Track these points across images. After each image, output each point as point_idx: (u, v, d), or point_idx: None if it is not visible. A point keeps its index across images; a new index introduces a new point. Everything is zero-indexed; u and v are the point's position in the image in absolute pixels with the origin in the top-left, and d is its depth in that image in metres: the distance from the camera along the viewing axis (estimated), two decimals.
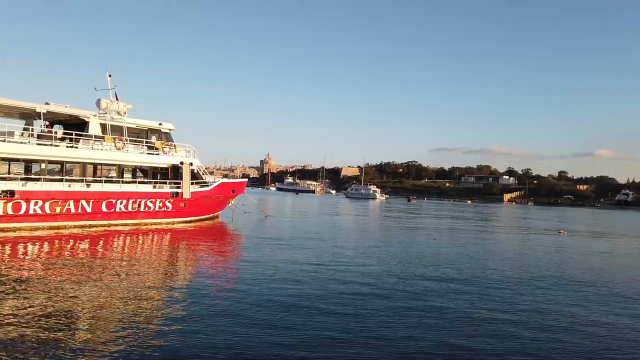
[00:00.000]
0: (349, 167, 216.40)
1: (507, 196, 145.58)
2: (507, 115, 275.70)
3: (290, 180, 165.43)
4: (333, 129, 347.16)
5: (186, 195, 27.99)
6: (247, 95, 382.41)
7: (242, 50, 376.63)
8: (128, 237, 21.12)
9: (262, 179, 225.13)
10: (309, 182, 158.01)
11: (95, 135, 24.86)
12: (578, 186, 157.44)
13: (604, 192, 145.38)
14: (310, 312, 9.97)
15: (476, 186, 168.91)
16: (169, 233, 23.42)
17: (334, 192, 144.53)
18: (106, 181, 24.98)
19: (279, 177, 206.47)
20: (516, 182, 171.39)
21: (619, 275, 17.29)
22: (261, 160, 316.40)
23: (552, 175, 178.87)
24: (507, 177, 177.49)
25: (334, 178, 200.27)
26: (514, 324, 10.07)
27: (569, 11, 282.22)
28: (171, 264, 15.17)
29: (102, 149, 24.88)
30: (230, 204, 34.22)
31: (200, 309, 9.77)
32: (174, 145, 29.01)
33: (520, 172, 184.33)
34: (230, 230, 27.36)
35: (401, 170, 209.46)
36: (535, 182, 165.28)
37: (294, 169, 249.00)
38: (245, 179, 40.94)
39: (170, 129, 29.19)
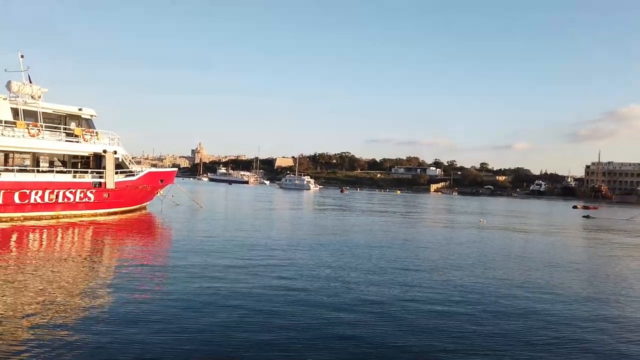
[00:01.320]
0: (283, 157, 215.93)
1: (433, 186, 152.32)
2: (433, 109, 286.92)
3: (223, 170, 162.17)
4: (267, 119, 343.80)
5: (110, 185, 26.56)
6: (177, 81, 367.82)
7: (169, 38, 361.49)
8: (44, 232, 19.69)
9: (193, 169, 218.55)
10: (242, 172, 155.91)
11: (5, 121, 22.83)
12: (497, 177, 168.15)
13: (520, 183, 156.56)
14: (241, 316, 9.64)
15: (405, 177, 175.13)
16: (91, 226, 22.12)
17: (267, 182, 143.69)
18: (19, 170, 23.07)
19: (211, 167, 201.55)
20: (442, 173, 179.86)
21: (534, 263, 18.72)
22: (193, 150, 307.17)
23: (474, 166, 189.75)
24: (433, 168, 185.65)
25: (268, 168, 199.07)
26: (446, 313, 10.59)
27: (495, 8, 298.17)
28: (90, 263, 14.23)
29: (13, 136, 22.92)
30: (158, 194, 32.97)
31: (121, 316, 8.96)
32: (96, 133, 27.37)
33: (446, 163, 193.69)
34: (159, 223, 26.38)
35: (335, 161, 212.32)
36: (459, 173, 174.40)
37: (227, 159, 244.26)
38: (175, 169, 39.60)
39: (91, 115, 27.47)
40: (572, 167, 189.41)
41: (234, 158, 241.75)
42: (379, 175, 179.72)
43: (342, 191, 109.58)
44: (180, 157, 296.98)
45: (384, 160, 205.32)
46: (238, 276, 12.76)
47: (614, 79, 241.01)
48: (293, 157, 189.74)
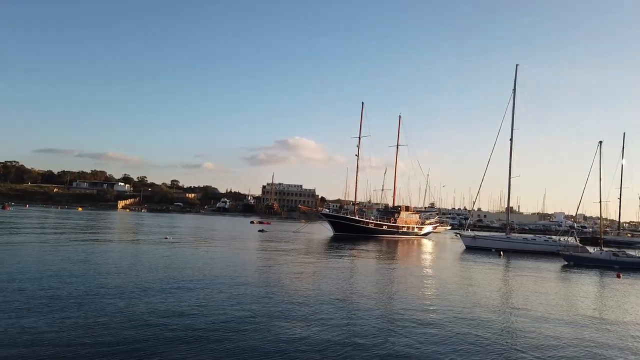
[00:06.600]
0: None
1: (121, 203, 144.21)
2: (124, 122, 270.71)
3: None
4: None
5: None
6: None
7: None
8: None
9: None
10: None
11: None
12: (187, 194, 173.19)
13: (208, 200, 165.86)
14: None
15: (89, 192, 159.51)
16: None
17: None
18: None
19: None
20: (131, 189, 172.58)
21: (216, 271, 20.05)
22: None
23: (165, 183, 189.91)
24: (122, 183, 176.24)
25: None
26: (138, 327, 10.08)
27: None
28: None
29: None
30: None
31: None
32: None
33: (136, 179, 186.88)
34: None
35: None
36: (149, 189, 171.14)
37: None
38: None
39: None
40: (253, 187, 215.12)
41: None
42: (55, 190, 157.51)
43: (4, 207, 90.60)
44: None
45: (63, 173, 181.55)
46: None
47: (286, 113, 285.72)
48: None
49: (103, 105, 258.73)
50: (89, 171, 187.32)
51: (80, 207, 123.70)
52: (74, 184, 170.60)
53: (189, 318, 11.67)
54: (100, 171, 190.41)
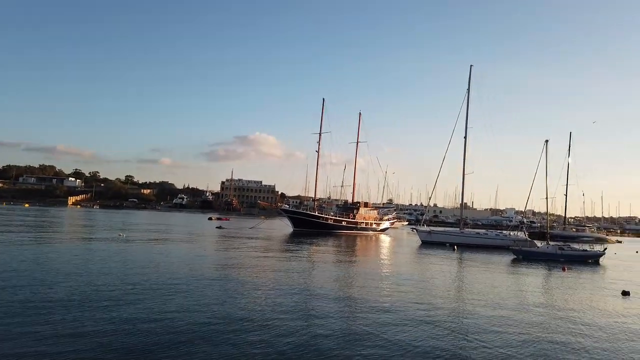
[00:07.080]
0: None
1: (72, 199, 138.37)
2: (74, 114, 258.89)
3: None
4: None
5: None
6: None
7: None
8: None
9: None
10: None
11: None
12: (143, 190, 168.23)
13: (164, 196, 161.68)
14: None
15: (37, 187, 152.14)
16: None
17: None
18: None
19: None
20: (83, 184, 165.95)
21: (170, 272, 19.57)
22: None
23: (119, 178, 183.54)
24: (73, 179, 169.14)
25: None
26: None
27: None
28: None
29: None
30: None
31: None
32: None
33: (88, 174, 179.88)
34: None
35: None
36: (102, 185, 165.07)
37: None
38: None
39: None
40: (211, 183, 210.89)
41: None
42: (0, 185, 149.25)
43: None
44: None
45: (9, 167, 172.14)
46: None
47: (245, 108, 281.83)
48: None
49: (52, 96, 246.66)
50: (37, 165, 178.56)
51: (27, 203, 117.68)
52: (21, 179, 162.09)
53: (143, 323, 11.32)
54: (49, 166, 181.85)
